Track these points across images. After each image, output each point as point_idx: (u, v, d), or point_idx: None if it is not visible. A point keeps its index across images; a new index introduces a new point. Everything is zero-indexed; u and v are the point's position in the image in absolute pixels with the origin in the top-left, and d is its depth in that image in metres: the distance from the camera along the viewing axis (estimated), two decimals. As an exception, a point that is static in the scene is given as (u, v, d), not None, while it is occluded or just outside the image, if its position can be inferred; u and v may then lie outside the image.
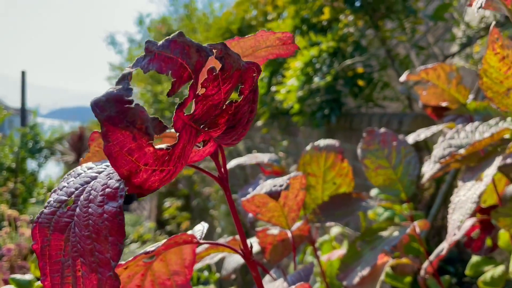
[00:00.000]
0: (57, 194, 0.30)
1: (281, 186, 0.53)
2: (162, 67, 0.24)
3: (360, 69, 2.73)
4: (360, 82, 2.74)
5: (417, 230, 0.83)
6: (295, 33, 3.21)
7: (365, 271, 0.69)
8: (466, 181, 0.61)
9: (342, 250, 0.91)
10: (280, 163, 0.89)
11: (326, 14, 2.79)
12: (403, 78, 0.95)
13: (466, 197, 0.59)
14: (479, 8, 0.45)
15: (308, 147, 0.86)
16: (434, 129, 0.93)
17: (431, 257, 0.86)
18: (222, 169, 0.34)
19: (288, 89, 2.90)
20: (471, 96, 0.95)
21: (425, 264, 0.86)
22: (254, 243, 0.78)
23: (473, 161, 0.66)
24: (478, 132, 0.66)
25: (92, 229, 0.24)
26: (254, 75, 0.25)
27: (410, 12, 2.63)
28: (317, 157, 0.84)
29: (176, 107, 0.25)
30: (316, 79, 2.69)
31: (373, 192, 1.35)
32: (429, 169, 0.68)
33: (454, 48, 2.73)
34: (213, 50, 0.24)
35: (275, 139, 3.58)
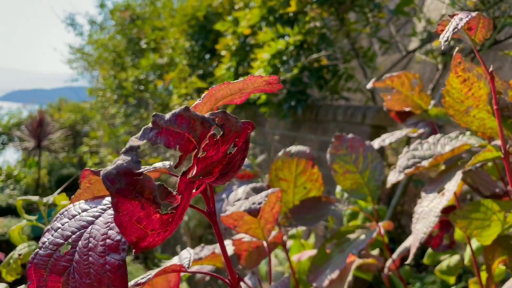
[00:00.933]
0: (52, 236, 0.31)
1: (259, 204, 0.56)
2: (170, 141, 0.26)
3: (324, 61, 2.78)
4: (326, 74, 2.79)
5: (382, 231, 0.88)
6: (261, 23, 3.22)
7: (334, 275, 0.73)
8: (428, 192, 0.65)
9: (311, 251, 0.95)
10: (252, 168, 0.91)
11: (293, 6, 2.81)
12: (369, 85, 0.99)
13: (429, 208, 0.63)
14: (446, 41, 0.49)
15: (280, 153, 0.89)
16: (398, 134, 0.98)
17: (394, 256, 0.92)
18: (211, 204, 0.36)
19: (255, 80, 2.91)
20: (432, 102, 1.01)
21: (388, 262, 0.92)
22: (228, 245, 0.81)
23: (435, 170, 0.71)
24: (440, 145, 0.70)
25: (94, 278, 0.26)
26: (248, 131, 0.27)
27: (374, 6, 2.69)
28: (289, 163, 0.87)
29: (181, 174, 0.27)
30: (282, 70, 2.72)
31: (338, 188, 1.40)
32: (394, 178, 0.73)
33: (416, 42, 2.82)
34: (215, 119, 0.26)
35: (241, 128, 3.60)
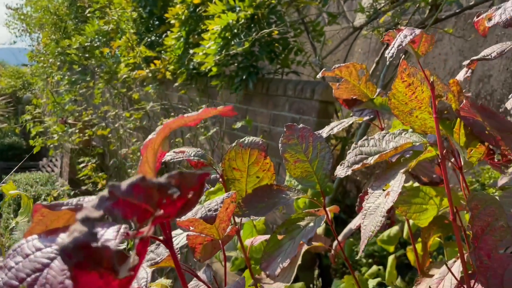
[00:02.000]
0: (6, 276, 0.31)
1: (215, 211, 0.58)
2: (127, 213, 0.26)
3: (276, 32, 2.78)
4: (276, 48, 2.80)
5: (330, 216, 0.93)
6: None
7: (285, 263, 0.78)
8: (374, 189, 0.70)
9: (264, 236, 1.00)
10: (206, 158, 0.93)
11: (244, -23, 2.76)
12: (319, 75, 1.01)
13: (375, 205, 0.68)
14: (391, 57, 0.52)
15: (234, 144, 0.91)
16: (345, 122, 1.02)
17: (340, 237, 0.97)
18: (167, 230, 0.37)
19: (206, 52, 2.88)
20: (378, 90, 1.05)
21: (335, 243, 0.98)
22: (182, 238, 0.83)
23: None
24: (385, 141, 0.75)
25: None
26: (205, 179, 0.29)
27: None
28: (242, 153, 0.89)
29: (139, 238, 0.28)
30: (233, 43, 2.70)
31: (287, 176, 1.44)
32: (343, 173, 0.77)
33: (363, 16, 2.88)
34: (172, 182, 0.27)
35: (193, 100, 3.56)
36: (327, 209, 0.95)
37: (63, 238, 0.31)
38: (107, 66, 4.87)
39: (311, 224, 0.86)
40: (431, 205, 0.92)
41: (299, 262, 0.87)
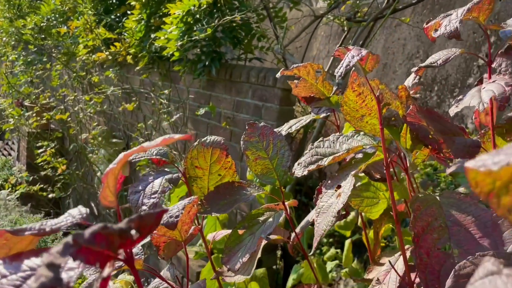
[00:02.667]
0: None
1: (177, 217, 0.61)
2: (90, 260, 0.28)
3: (238, 17, 2.78)
4: (239, 34, 2.80)
5: (288, 211, 0.97)
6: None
7: (245, 258, 0.82)
8: (328, 189, 0.75)
9: (225, 231, 1.03)
10: (168, 156, 0.95)
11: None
12: (278, 74, 1.04)
13: (328, 203, 0.73)
14: (340, 76, 0.55)
15: (196, 143, 0.93)
16: (303, 120, 1.06)
17: (297, 230, 1.02)
18: (127, 249, 0.39)
19: (168, 37, 2.84)
20: (334, 88, 1.09)
21: (293, 236, 1.03)
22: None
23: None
24: (339, 143, 0.79)
25: None
26: (162, 215, 0.31)
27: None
28: (204, 152, 0.92)
29: (101, 279, 0.30)
30: (196, 28, 2.68)
31: (248, 172, 1.47)
32: (300, 172, 0.81)
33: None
34: (132, 226, 0.29)
35: (156, 84, 3.52)
36: (285, 203, 0.99)
37: (30, 265, 0.33)
38: (65, 47, 4.71)
39: (270, 219, 0.90)
40: (381, 199, 0.98)
41: (259, 255, 0.91)
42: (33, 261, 0.34)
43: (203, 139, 0.94)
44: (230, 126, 2.81)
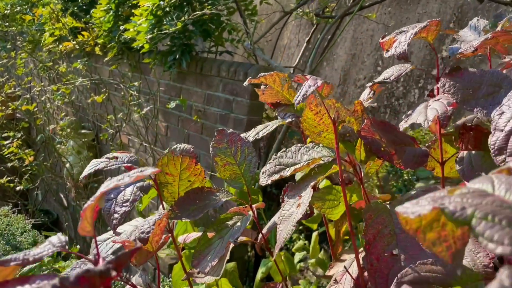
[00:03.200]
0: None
1: (148, 233, 0.65)
2: None
3: (208, 12, 2.79)
4: (209, 27, 2.81)
5: (255, 214, 1.03)
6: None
7: (214, 262, 0.87)
8: (289, 198, 0.81)
9: (196, 234, 1.08)
10: (138, 163, 0.99)
11: (176, -47, 2.71)
12: (246, 83, 1.09)
13: (289, 212, 0.79)
14: (297, 104, 0.61)
15: (166, 151, 0.97)
16: (269, 127, 1.12)
17: (264, 230, 1.09)
18: (107, 284, 0.44)
19: (138, 30, 2.83)
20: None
21: (259, 237, 1.09)
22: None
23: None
24: (300, 154, 0.85)
25: None
26: (135, 253, 0.36)
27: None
28: (174, 160, 0.96)
29: None
30: (165, 22, 2.68)
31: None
32: (264, 181, 0.87)
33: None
34: (111, 267, 0.34)
35: (125, 75, 3.49)
36: (253, 206, 1.05)
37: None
38: (30, 35, 4.59)
39: (238, 224, 0.96)
40: (342, 201, 1.05)
41: (227, 258, 0.97)
42: (20, 292, 0.38)
43: (173, 147, 0.98)
44: (201, 119, 2.84)
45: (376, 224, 0.73)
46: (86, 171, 0.95)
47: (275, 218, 1.18)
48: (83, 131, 4.01)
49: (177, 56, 2.82)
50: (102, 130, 3.95)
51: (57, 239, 0.45)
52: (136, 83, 3.14)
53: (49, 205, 5.35)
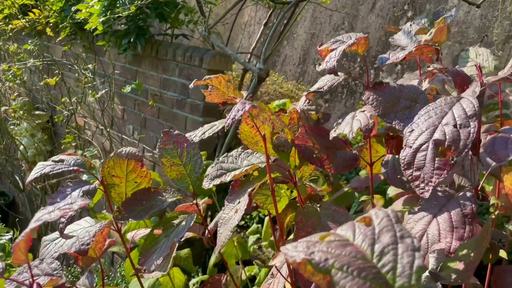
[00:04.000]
0: None
1: (88, 244, 0.69)
2: None
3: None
4: (165, 11, 2.78)
5: (202, 211, 1.09)
6: None
7: (159, 260, 0.93)
8: (229, 202, 0.87)
9: (144, 231, 1.13)
10: (85, 166, 1.01)
11: None
12: (191, 85, 1.12)
13: (228, 216, 0.85)
14: (228, 124, 0.66)
15: (112, 154, 1.00)
16: (215, 127, 1.16)
17: (210, 226, 1.15)
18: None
19: (90, 11, 2.76)
20: (245, 94, 1.20)
21: (206, 232, 1.15)
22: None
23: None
24: (240, 159, 0.91)
25: None
26: None
27: None
28: (120, 163, 1.00)
29: None
30: (118, 4, 2.63)
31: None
32: (207, 184, 0.92)
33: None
34: None
35: (79, 56, 3.41)
36: (199, 204, 1.10)
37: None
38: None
39: (184, 223, 1.01)
40: (283, 196, 1.12)
41: (173, 254, 1.02)
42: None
43: (118, 151, 1.01)
44: (158, 103, 2.84)
45: (306, 227, 0.80)
46: (32, 175, 0.97)
47: (218, 217, 1.24)
48: (37, 112, 3.91)
49: (132, 39, 2.78)
50: (56, 112, 3.86)
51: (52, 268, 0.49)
52: (90, 66, 3.08)
53: (5, 187, 5.22)
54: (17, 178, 4.76)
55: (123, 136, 3.16)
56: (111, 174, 1.01)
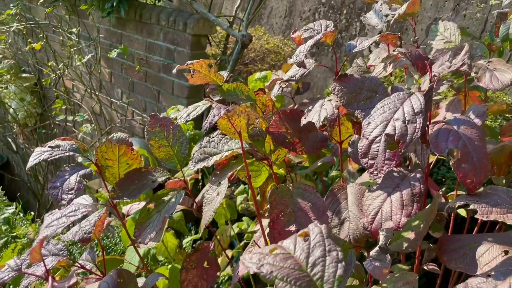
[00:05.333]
0: None
1: (89, 233, 0.79)
2: None
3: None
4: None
5: (190, 186, 1.19)
6: None
7: (153, 234, 1.04)
8: (212, 184, 0.97)
9: (138, 205, 1.24)
10: (80, 150, 1.10)
11: None
12: (174, 70, 1.20)
13: (212, 196, 0.96)
14: (205, 130, 0.74)
15: (103, 140, 1.09)
16: (199, 108, 1.25)
17: (197, 199, 1.26)
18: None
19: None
20: (225, 75, 1.27)
21: (194, 205, 1.26)
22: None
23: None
24: (221, 144, 1.00)
25: None
26: None
27: None
28: (112, 148, 1.09)
29: None
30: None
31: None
32: (192, 167, 1.02)
33: None
34: None
35: (63, 18, 3.38)
36: (187, 179, 1.21)
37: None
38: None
39: (173, 199, 1.12)
40: (263, 171, 1.23)
41: (166, 226, 1.14)
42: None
43: (109, 137, 1.10)
44: (145, 67, 2.87)
45: (279, 205, 0.91)
46: (31, 162, 1.07)
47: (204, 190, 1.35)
48: (23, 75, 3.91)
49: (115, 3, 2.77)
50: (44, 75, 3.87)
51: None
52: (74, 30, 3.07)
53: (-2, 149, 5.29)
54: (10, 140, 4.82)
55: (112, 99, 3.22)
56: (105, 157, 1.10)
